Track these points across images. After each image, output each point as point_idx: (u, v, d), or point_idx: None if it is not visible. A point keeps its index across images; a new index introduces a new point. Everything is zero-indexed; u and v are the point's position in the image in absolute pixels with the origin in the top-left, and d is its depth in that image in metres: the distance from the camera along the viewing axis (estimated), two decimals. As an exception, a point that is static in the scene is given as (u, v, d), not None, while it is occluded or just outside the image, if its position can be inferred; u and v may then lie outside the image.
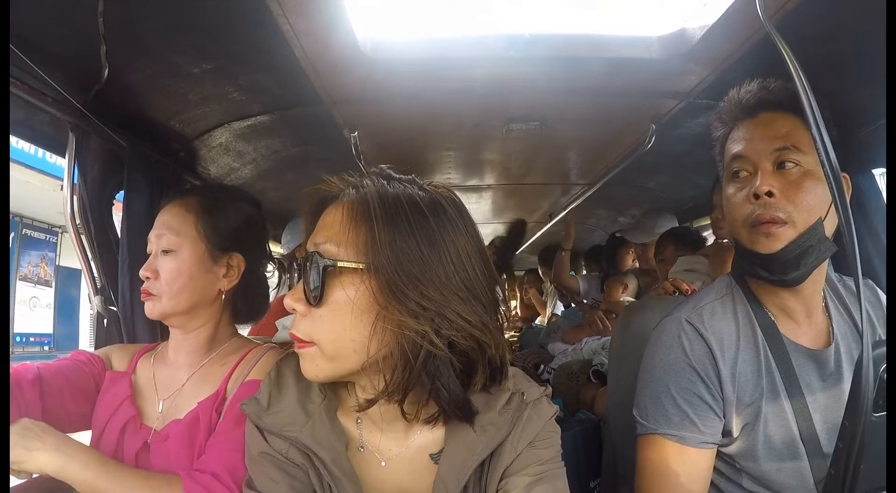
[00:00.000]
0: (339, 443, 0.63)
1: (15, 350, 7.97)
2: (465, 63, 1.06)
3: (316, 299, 0.57)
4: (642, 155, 1.44)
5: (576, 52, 1.04)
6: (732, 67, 1.01)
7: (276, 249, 2.13)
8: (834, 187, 0.53)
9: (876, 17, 0.66)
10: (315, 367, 0.59)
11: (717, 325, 0.81)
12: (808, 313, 0.82)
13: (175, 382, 0.88)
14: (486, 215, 2.76)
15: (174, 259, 0.87)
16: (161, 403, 0.86)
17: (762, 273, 0.78)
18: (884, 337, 0.80)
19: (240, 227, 0.93)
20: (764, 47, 0.92)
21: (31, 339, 8.51)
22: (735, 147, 0.80)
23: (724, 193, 0.82)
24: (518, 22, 1.04)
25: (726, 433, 0.80)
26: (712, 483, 0.82)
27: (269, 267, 1.02)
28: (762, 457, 0.78)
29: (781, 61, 0.57)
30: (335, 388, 0.67)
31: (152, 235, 0.90)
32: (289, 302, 0.59)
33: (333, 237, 0.58)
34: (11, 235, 7.77)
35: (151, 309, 0.87)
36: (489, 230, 3.33)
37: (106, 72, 0.90)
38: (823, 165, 0.54)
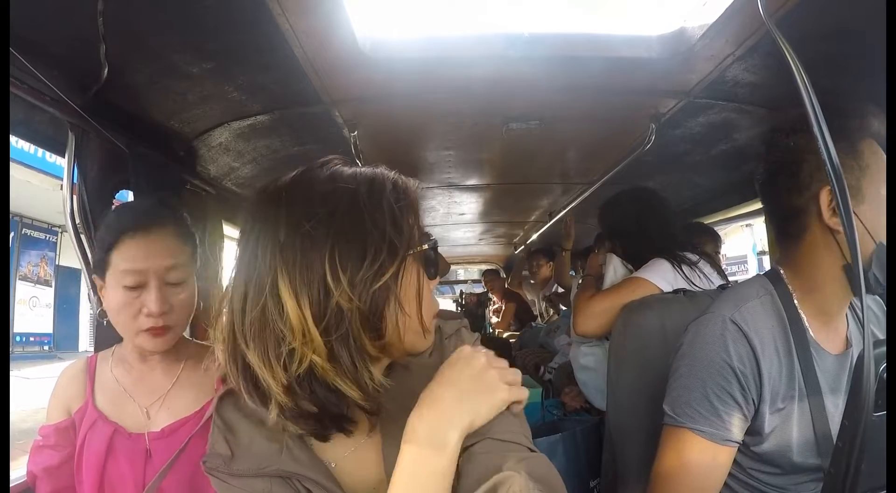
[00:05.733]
0: (320, 461, 0.60)
1: (15, 350, 7.98)
2: (465, 62, 1.06)
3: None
4: (642, 154, 1.43)
5: (575, 52, 1.04)
6: (733, 66, 1.01)
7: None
8: (835, 187, 0.53)
9: (876, 15, 0.66)
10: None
11: (759, 325, 0.81)
12: (834, 318, 0.83)
13: (154, 387, 0.87)
14: (484, 215, 2.76)
15: (185, 290, 0.85)
16: (145, 410, 0.85)
17: None
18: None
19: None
20: (764, 46, 0.92)
21: (31, 339, 8.53)
22: None
23: None
24: (518, 21, 1.05)
25: (756, 432, 0.81)
26: (726, 484, 0.83)
27: None
28: (784, 457, 0.80)
29: (782, 60, 0.57)
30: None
31: (158, 265, 0.81)
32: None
33: None
34: (11, 235, 7.77)
35: (165, 343, 0.83)
36: (487, 229, 3.33)
37: (105, 72, 0.90)
38: (824, 165, 0.54)
